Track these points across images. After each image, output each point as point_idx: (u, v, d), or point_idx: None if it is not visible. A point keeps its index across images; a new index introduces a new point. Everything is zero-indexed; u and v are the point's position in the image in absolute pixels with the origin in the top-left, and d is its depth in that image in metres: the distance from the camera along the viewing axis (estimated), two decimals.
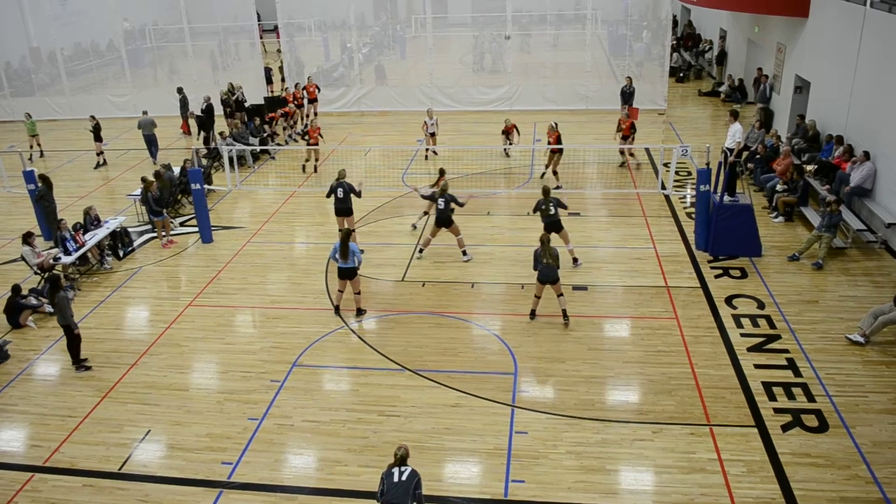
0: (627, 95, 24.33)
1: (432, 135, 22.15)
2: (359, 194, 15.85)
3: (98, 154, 23.34)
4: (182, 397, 11.69)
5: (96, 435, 10.88)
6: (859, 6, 17.14)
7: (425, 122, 22.00)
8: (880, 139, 16.08)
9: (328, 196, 15.84)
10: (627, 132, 20.69)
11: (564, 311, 13.21)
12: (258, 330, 13.58)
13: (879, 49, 16.27)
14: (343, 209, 15.77)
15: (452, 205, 15.44)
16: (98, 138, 23.08)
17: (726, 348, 12.33)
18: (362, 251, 14.20)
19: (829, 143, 18.21)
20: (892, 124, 15.61)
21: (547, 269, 12.80)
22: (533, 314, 13.39)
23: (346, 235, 13.19)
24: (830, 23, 19.19)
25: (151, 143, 23.56)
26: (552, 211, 14.75)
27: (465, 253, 15.74)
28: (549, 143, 19.42)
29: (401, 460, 8.33)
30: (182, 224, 18.45)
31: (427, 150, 22.47)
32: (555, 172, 19.42)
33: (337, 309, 13.84)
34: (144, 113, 23.54)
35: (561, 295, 13.10)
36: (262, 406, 11.34)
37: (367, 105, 28.59)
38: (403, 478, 8.21)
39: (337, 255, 13.21)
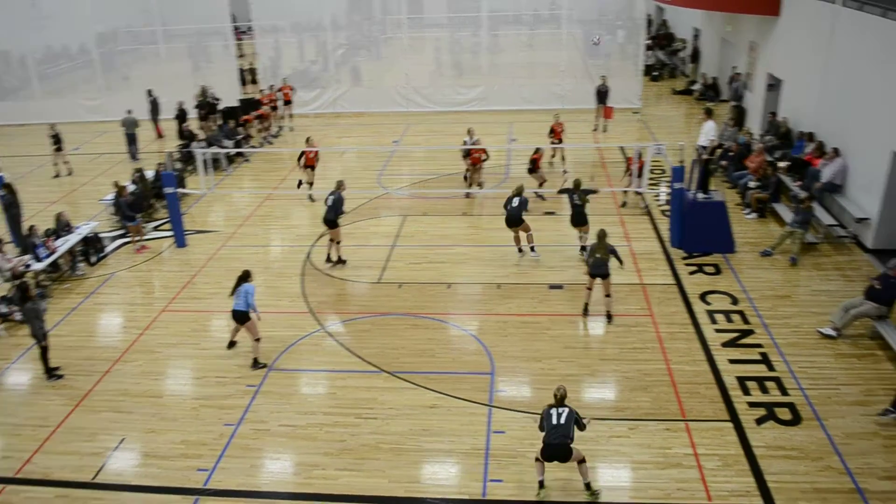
0: (602, 94, 24.41)
1: (467, 155, 19.12)
2: (339, 213, 15.29)
3: (57, 164, 22.52)
4: (156, 404, 11.58)
5: (69, 444, 10.75)
6: (830, 4, 17.33)
7: (465, 141, 19.23)
8: (850, 136, 16.28)
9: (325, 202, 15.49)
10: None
11: (609, 313, 13.22)
12: None
13: (850, 47, 16.47)
14: (327, 220, 15.35)
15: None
16: (59, 148, 22.37)
17: (701, 344, 12.42)
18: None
19: (800, 140, 18.41)
20: (862, 121, 15.82)
21: (598, 263, 12.85)
22: (586, 308, 13.37)
23: (242, 276, 12.22)
24: (802, 21, 19.40)
25: (132, 142, 23.49)
26: (578, 202, 14.97)
27: (533, 249, 15.71)
28: (469, 160, 18.90)
29: (560, 401, 9.04)
30: (156, 228, 18.27)
31: (466, 177, 19.65)
32: (468, 178, 19.26)
33: (230, 345, 12.88)
34: (129, 112, 23.46)
35: (608, 295, 13.08)
36: (237, 411, 11.26)
37: (342, 106, 28.50)
38: (562, 420, 8.95)
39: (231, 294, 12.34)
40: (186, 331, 13.63)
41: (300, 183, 19.58)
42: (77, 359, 12.82)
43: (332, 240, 15.67)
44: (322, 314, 13.93)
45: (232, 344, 12.81)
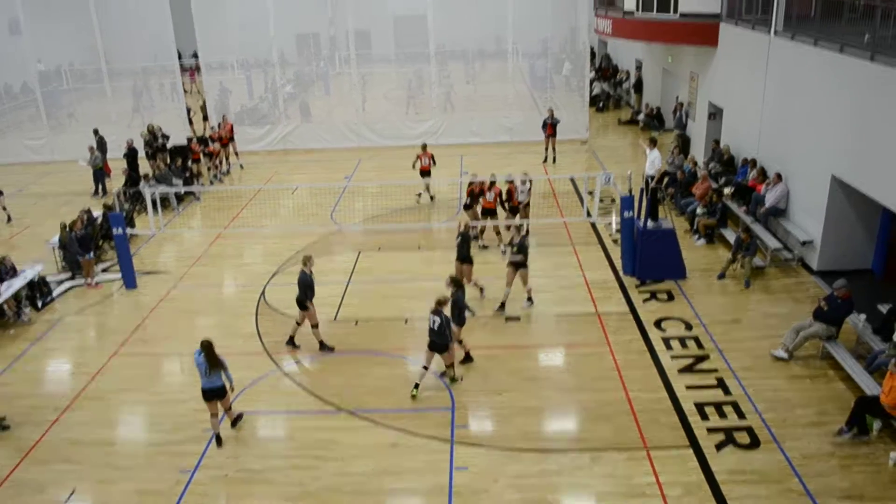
0: (552, 127, 24.71)
1: (525, 206, 18.10)
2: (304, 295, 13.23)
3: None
4: (109, 453, 11.22)
5: (17, 499, 10.33)
6: (764, 35, 17.96)
7: (516, 187, 17.90)
8: (790, 161, 16.79)
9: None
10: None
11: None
12: (188, 377, 13.10)
13: (784, 75, 17.05)
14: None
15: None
16: None
17: (658, 371, 12.56)
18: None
19: (743, 167, 18.91)
20: (800, 146, 16.34)
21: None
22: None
23: (211, 345, 10.85)
24: (738, 51, 20.05)
25: (99, 179, 23.52)
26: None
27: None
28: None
29: (437, 306, 11.88)
30: (104, 270, 17.85)
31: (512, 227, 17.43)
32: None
33: (219, 440, 11.29)
34: (92, 149, 23.49)
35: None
36: (193, 457, 10.97)
37: (292, 143, 28.38)
38: (436, 327, 11.79)
39: (205, 371, 10.83)
40: (138, 375, 13.28)
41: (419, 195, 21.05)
42: (24, 408, 12.36)
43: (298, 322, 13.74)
44: (278, 354, 13.72)
45: (220, 440, 11.29)
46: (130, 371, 13.45)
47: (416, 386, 12.11)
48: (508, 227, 17.53)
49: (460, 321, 12.57)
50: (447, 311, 11.96)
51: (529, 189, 18.15)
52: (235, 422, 11.62)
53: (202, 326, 14.96)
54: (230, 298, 16.36)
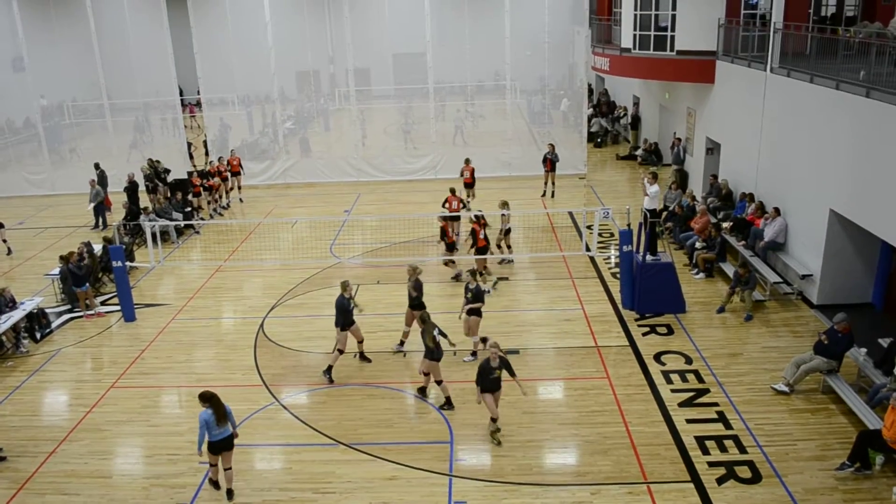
0: (550, 162, 24.89)
1: (507, 232, 18.75)
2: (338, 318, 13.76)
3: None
4: (105, 485, 11.11)
5: None
6: (760, 72, 18.19)
7: (503, 215, 18.38)
8: (788, 195, 16.88)
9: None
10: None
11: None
12: (185, 410, 13.09)
13: (781, 111, 17.23)
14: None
15: None
16: None
17: (658, 405, 12.49)
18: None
19: (742, 201, 19.01)
20: (798, 181, 16.45)
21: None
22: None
23: (217, 398, 10.24)
24: (735, 87, 20.28)
25: (100, 213, 23.62)
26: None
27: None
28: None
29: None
30: (103, 303, 17.82)
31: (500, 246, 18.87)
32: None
33: (216, 485, 10.83)
34: (93, 182, 23.77)
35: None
36: (190, 490, 10.86)
37: (292, 177, 28.54)
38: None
39: (212, 424, 10.14)
40: (136, 407, 13.20)
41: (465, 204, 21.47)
42: (20, 440, 12.28)
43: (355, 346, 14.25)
44: (276, 387, 13.66)
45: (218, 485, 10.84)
46: (128, 403, 13.36)
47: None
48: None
49: (432, 357, 12.53)
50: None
51: (507, 216, 18.46)
52: (230, 495, 10.70)
53: (200, 358, 14.94)
54: (228, 331, 16.31)
